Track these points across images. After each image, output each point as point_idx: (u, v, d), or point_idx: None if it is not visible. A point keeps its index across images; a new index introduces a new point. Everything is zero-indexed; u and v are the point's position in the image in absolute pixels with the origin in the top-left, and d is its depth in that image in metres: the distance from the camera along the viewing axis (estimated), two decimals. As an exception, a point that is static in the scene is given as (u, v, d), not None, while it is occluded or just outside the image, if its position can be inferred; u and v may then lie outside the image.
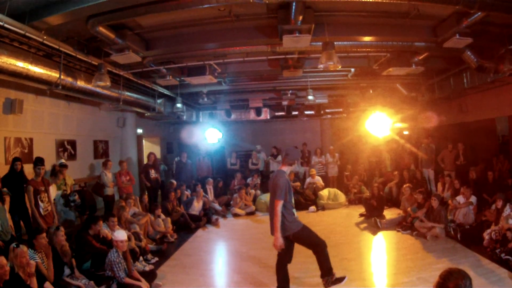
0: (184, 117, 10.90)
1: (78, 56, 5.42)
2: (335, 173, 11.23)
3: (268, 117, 12.07)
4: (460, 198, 6.67)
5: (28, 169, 5.91)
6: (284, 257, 3.97)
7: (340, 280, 4.00)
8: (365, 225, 7.53)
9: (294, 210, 4.01)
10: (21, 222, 5.69)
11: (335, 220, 8.29)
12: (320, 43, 5.19)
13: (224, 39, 5.64)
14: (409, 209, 7.07)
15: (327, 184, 10.61)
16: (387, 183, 9.55)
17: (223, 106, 11.76)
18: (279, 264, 4.01)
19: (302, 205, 9.15)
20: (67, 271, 4.40)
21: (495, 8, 4.30)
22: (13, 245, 3.73)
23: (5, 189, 5.10)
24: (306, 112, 12.00)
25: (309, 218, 8.45)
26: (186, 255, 6.01)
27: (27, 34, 4.29)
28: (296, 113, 11.99)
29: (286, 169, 4.05)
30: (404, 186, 8.01)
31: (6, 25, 3.96)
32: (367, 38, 5.61)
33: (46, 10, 4.21)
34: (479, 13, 4.46)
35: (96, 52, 5.75)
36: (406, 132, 12.01)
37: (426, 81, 8.70)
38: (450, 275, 1.95)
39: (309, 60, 6.93)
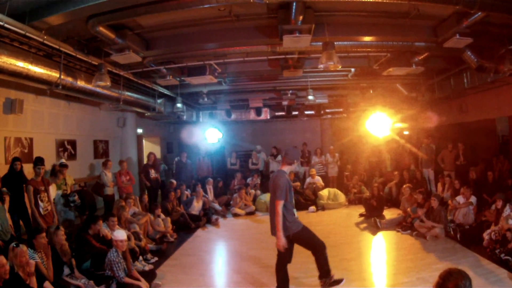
0: (184, 117, 10.90)
1: (78, 56, 5.42)
2: (335, 173, 11.23)
3: (268, 117, 12.07)
4: (460, 198, 6.67)
5: (28, 169, 5.92)
6: (284, 257, 3.97)
7: (338, 282, 4.00)
8: (365, 225, 7.53)
9: (294, 210, 4.01)
10: (21, 222, 5.71)
11: (335, 220, 8.29)
12: (320, 43, 5.19)
13: (224, 39, 5.64)
14: (408, 209, 7.08)
15: (327, 184, 10.61)
16: (387, 183, 9.55)
17: (223, 106, 11.76)
18: (279, 264, 4.01)
19: (302, 205, 9.15)
20: (66, 270, 4.39)
21: (495, 8, 4.30)
22: (13, 244, 3.73)
23: (4, 188, 5.11)
24: (306, 112, 12.00)
25: (309, 218, 8.45)
26: (186, 255, 6.01)
27: (27, 34, 4.29)
28: (296, 113, 11.99)
29: (286, 169, 4.04)
30: (404, 186, 8.00)
31: (6, 25, 3.96)
32: (367, 38, 5.61)
33: (46, 10, 4.21)
34: (479, 13, 4.46)
35: (96, 52, 5.75)
36: (406, 132, 12.01)
37: (426, 81, 8.70)
38: (449, 275, 1.95)
39: (309, 60, 6.93)
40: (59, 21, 4.38)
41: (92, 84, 6.06)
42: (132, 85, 7.86)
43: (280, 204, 3.77)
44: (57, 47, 4.93)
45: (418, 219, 6.58)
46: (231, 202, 9.34)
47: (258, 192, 10.09)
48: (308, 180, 10.46)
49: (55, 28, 4.57)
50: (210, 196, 9.53)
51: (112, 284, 4.18)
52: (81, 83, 6.09)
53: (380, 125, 9.10)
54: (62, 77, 5.51)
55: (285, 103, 11.37)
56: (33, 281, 3.66)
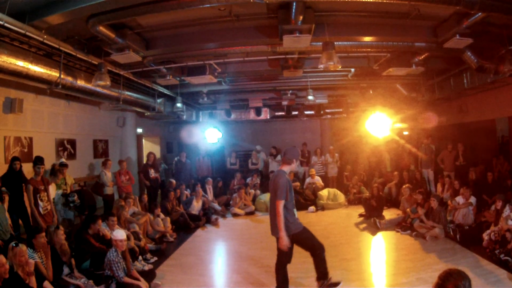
0: (184, 116, 10.90)
1: (78, 55, 5.41)
2: (334, 173, 11.23)
3: (268, 117, 12.06)
4: (460, 199, 6.67)
5: (28, 168, 5.92)
6: (284, 258, 3.96)
7: (335, 284, 4.00)
8: (364, 225, 7.53)
9: (295, 210, 4.00)
10: (20, 221, 5.71)
11: (334, 220, 8.29)
12: (320, 43, 5.19)
13: (224, 39, 5.64)
14: (408, 209, 7.08)
15: (326, 184, 10.61)
16: (386, 184, 9.56)
17: (223, 106, 11.75)
18: (279, 264, 4.01)
19: (301, 205, 9.14)
20: (66, 270, 4.40)
21: (495, 8, 4.30)
22: (12, 244, 3.73)
23: (3, 188, 5.10)
24: (306, 112, 11.99)
25: (308, 218, 8.45)
26: (186, 255, 6.01)
27: (27, 33, 4.29)
28: (296, 113, 11.98)
29: (286, 168, 4.03)
30: (404, 186, 8.01)
31: (6, 25, 3.96)
32: (367, 38, 5.61)
33: (46, 9, 4.21)
34: (480, 14, 4.46)
35: (96, 51, 5.74)
36: (406, 133, 12.01)
37: (426, 82, 8.70)
38: (449, 276, 1.95)
39: (309, 60, 6.92)
40: (59, 21, 4.37)
41: (92, 84, 6.06)
42: (132, 84, 7.86)
43: (280, 204, 3.76)
44: (57, 46, 4.93)
45: (417, 220, 6.59)
46: (231, 202, 9.34)
47: (258, 192, 10.09)
48: (308, 180, 10.46)
49: (55, 28, 4.56)
50: (210, 196, 9.53)
51: (112, 284, 4.18)
52: (81, 83, 6.09)
53: (380, 125, 9.10)
54: (62, 76, 5.51)
55: (285, 103, 11.35)
56: (33, 280, 3.66)
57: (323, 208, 9.33)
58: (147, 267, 5.14)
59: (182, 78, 7.37)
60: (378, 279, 4.70)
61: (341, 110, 11.85)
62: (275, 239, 3.99)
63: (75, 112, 8.37)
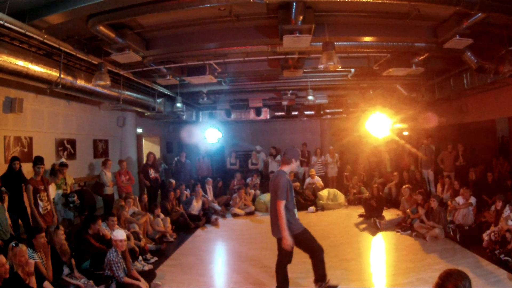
0: (184, 116, 10.90)
1: (78, 55, 5.41)
2: (334, 173, 11.23)
3: (268, 117, 12.06)
4: (460, 199, 6.67)
5: (28, 168, 5.92)
6: (284, 258, 3.96)
7: (333, 287, 4.00)
8: (364, 225, 7.53)
9: (295, 211, 3.99)
10: (19, 221, 5.70)
11: (334, 220, 8.29)
12: (320, 43, 5.19)
13: (224, 39, 5.64)
14: (408, 210, 7.08)
15: (326, 185, 10.61)
16: (386, 184, 9.56)
17: (223, 106, 11.75)
18: (279, 264, 4.00)
19: (301, 206, 9.11)
20: (66, 270, 4.39)
21: (495, 9, 4.30)
22: (12, 244, 3.73)
23: (3, 188, 5.10)
24: (306, 112, 12.00)
25: (308, 218, 8.45)
26: (185, 255, 6.01)
27: (27, 33, 4.29)
28: (296, 113, 11.98)
29: (286, 169, 4.02)
30: (404, 187, 8.00)
31: (6, 24, 3.96)
32: (367, 39, 5.60)
33: (46, 9, 4.21)
34: (480, 14, 4.46)
35: (96, 51, 5.74)
36: (406, 133, 12.02)
37: (426, 82, 8.70)
38: (449, 276, 1.95)
39: (309, 60, 6.92)
40: (59, 20, 4.37)
41: (92, 83, 6.05)
42: (132, 84, 7.86)
43: (281, 204, 3.74)
44: (57, 46, 4.92)
45: (418, 220, 6.59)
46: (231, 202, 9.34)
47: (258, 192, 10.09)
48: (308, 180, 10.46)
49: (55, 27, 4.56)
50: (210, 196, 9.53)
51: (112, 284, 4.17)
52: (81, 82, 6.09)
53: (380, 125, 9.11)
54: (62, 76, 5.51)
55: (285, 103, 11.35)
56: (33, 280, 3.66)
57: (323, 208, 9.33)
58: (147, 267, 5.13)
59: (182, 78, 7.37)
60: (378, 280, 4.69)
61: (341, 110, 11.86)
62: (276, 240, 3.99)
63: (75, 112, 8.37)
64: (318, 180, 10.35)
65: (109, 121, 9.86)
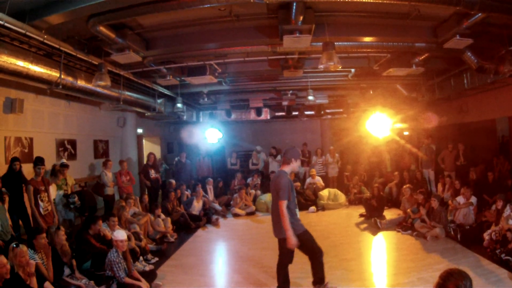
0: (185, 117, 10.90)
1: (78, 55, 5.41)
2: (335, 173, 11.23)
3: (268, 117, 12.07)
4: (460, 199, 6.67)
5: (28, 169, 5.92)
6: (285, 258, 3.96)
7: None
8: (365, 225, 7.52)
9: (297, 211, 3.98)
10: (20, 222, 5.70)
11: (335, 220, 8.29)
12: (321, 44, 5.19)
13: (224, 39, 5.64)
14: (409, 210, 7.07)
15: (327, 185, 10.61)
16: (387, 184, 9.56)
17: (224, 106, 11.76)
18: (280, 264, 4.00)
19: (302, 206, 9.11)
20: (67, 271, 4.40)
21: (495, 9, 4.30)
22: (13, 244, 3.73)
23: (3, 189, 5.10)
24: (306, 113, 12.00)
25: (309, 218, 8.45)
26: (186, 255, 6.01)
27: (27, 33, 4.29)
28: (296, 113, 11.98)
29: (287, 169, 4.00)
30: (404, 186, 8.00)
31: (6, 24, 3.96)
32: (367, 39, 5.61)
33: (46, 9, 4.21)
34: (480, 14, 4.46)
35: (97, 51, 5.74)
36: (406, 133, 12.02)
37: (426, 82, 8.70)
38: (450, 276, 1.95)
39: (310, 60, 6.92)
40: (59, 21, 4.37)
41: (92, 84, 6.05)
42: (132, 85, 7.86)
43: (284, 204, 3.73)
44: (57, 46, 4.93)
45: (418, 219, 6.59)
46: (231, 202, 9.34)
47: (259, 192, 10.09)
48: (308, 180, 10.46)
49: (55, 28, 4.56)
50: (210, 196, 9.53)
51: (113, 285, 4.18)
52: (81, 83, 6.09)
53: (380, 125, 9.10)
54: (62, 76, 5.51)
55: (285, 103, 11.36)
56: (33, 281, 3.66)
57: (323, 208, 9.33)
58: (148, 267, 5.13)
59: (182, 78, 7.38)
60: (379, 279, 4.69)
61: (341, 110, 11.86)
62: (277, 240, 3.98)
63: (75, 112, 8.38)
64: (318, 180, 10.35)
65: (109, 121, 9.86)
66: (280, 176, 3.90)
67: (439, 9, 4.77)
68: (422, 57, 6.42)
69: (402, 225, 6.87)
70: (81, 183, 8.06)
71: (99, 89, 6.54)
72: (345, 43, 5.63)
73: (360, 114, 11.37)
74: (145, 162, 9.68)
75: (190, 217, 7.86)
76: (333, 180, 11.15)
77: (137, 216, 6.65)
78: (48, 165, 6.60)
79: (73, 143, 8.24)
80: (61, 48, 5.03)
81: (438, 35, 5.41)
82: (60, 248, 4.51)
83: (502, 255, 4.82)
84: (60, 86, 5.56)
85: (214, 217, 8.39)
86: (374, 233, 6.88)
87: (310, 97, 8.69)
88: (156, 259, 5.64)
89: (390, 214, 7.99)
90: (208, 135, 11.38)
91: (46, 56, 5.33)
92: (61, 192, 6.41)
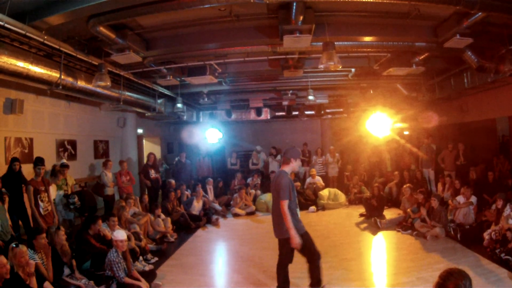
0: (185, 117, 10.91)
1: (78, 56, 5.42)
2: (335, 173, 11.23)
3: (269, 117, 12.07)
4: (460, 198, 6.67)
5: (28, 169, 5.92)
6: (285, 258, 3.95)
7: None
8: (365, 225, 7.52)
9: (298, 211, 3.98)
10: (20, 222, 5.71)
11: (335, 220, 8.29)
12: (321, 43, 5.19)
13: (224, 39, 5.64)
14: (409, 209, 7.08)
15: (327, 184, 10.62)
16: (387, 183, 9.56)
17: (224, 106, 11.76)
18: (280, 264, 3.99)
19: (302, 205, 9.08)
20: (67, 271, 4.40)
21: (495, 8, 4.30)
22: (13, 244, 3.73)
23: (3, 189, 5.11)
24: (307, 112, 12.00)
25: (309, 218, 8.45)
26: (186, 255, 6.01)
27: (27, 34, 4.29)
28: (297, 113, 11.99)
29: (287, 169, 3.99)
30: (405, 186, 8.01)
31: (6, 25, 3.96)
32: (367, 38, 5.60)
33: (46, 10, 4.21)
34: (480, 14, 4.46)
35: (97, 52, 5.75)
36: (406, 132, 12.01)
37: (426, 81, 8.70)
38: (450, 275, 1.95)
39: (310, 60, 6.92)
40: (59, 21, 4.38)
41: (92, 84, 6.06)
42: (132, 85, 7.86)
43: (285, 204, 3.72)
44: (57, 47, 4.93)
45: (418, 219, 6.59)
46: (231, 202, 9.34)
47: (259, 192, 10.09)
48: (309, 180, 10.46)
49: (56, 28, 4.56)
50: (210, 196, 9.54)
51: (112, 284, 4.18)
52: (81, 83, 6.09)
53: (380, 125, 9.11)
54: (62, 77, 5.51)
55: (285, 103, 11.36)
56: (33, 281, 3.66)
57: (323, 208, 9.33)
58: (147, 267, 5.14)
59: (183, 78, 7.39)
60: (379, 279, 4.69)
61: (341, 110, 11.86)
62: (277, 240, 3.98)
63: (75, 113, 8.38)
64: (319, 180, 10.36)
65: (109, 121, 9.87)
66: (280, 176, 3.89)
67: (439, 8, 4.77)
68: (422, 57, 6.42)
69: (402, 225, 6.88)
70: (81, 183, 8.06)
71: (99, 90, 6.54)
72: (345, 42, 5.63)
73: (360, 113, 11.36)
74: (145, 162, 9.68)
75: (190, 217, 7.86)
76: (333, 179, 11.16)
77: (137, 216, 6.66)
78: (48, 166, 6.60)
79: (73, 143, 8.25)
80: (61, 49, 5.03)
81: (438, 35, 5.41)
82: (60, 248, 4.51)
83: (502, 255, 4.83)
84: (60, 87, 5.56)
85: (214, 217, 8.39)
86: (374, 232, 6.89)
87: (310, 97, 8.69)
88: (156, 259, 5.64)
89: (390, 213, 7.99)
90: (208, 135, 11.39)
91: (46, 56, 5.33)
92: (61, 192, 6.42)
